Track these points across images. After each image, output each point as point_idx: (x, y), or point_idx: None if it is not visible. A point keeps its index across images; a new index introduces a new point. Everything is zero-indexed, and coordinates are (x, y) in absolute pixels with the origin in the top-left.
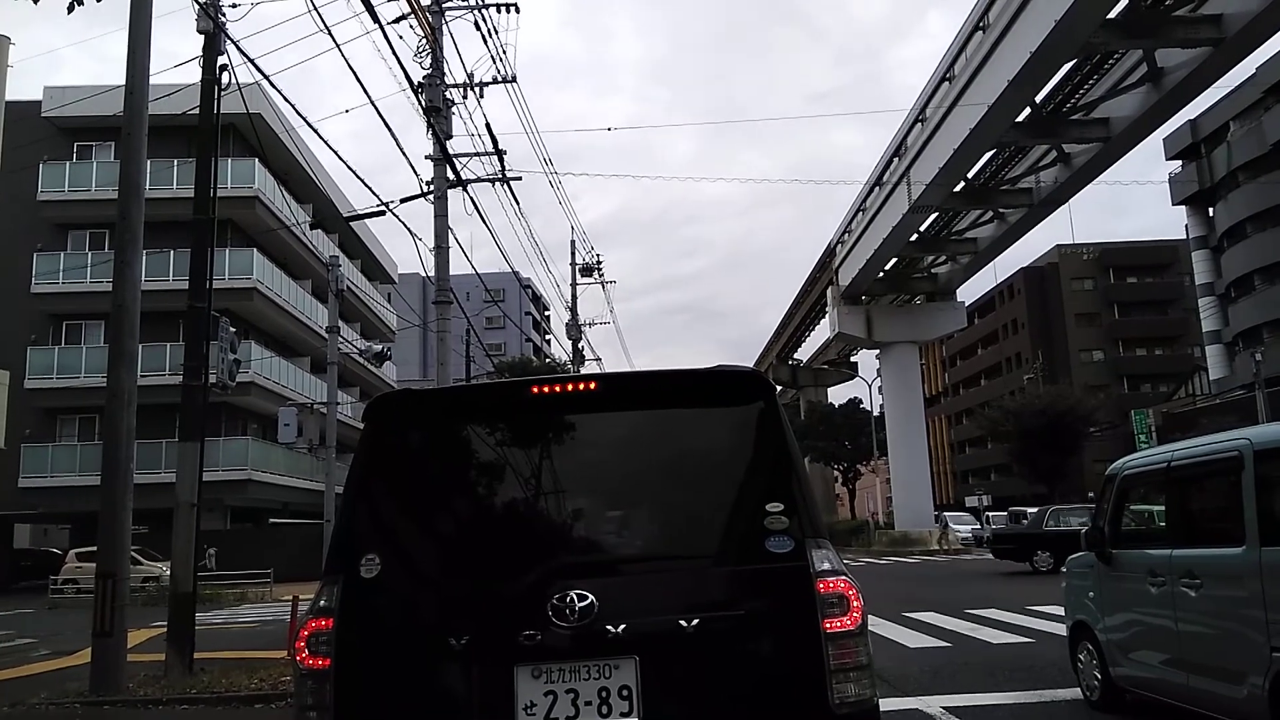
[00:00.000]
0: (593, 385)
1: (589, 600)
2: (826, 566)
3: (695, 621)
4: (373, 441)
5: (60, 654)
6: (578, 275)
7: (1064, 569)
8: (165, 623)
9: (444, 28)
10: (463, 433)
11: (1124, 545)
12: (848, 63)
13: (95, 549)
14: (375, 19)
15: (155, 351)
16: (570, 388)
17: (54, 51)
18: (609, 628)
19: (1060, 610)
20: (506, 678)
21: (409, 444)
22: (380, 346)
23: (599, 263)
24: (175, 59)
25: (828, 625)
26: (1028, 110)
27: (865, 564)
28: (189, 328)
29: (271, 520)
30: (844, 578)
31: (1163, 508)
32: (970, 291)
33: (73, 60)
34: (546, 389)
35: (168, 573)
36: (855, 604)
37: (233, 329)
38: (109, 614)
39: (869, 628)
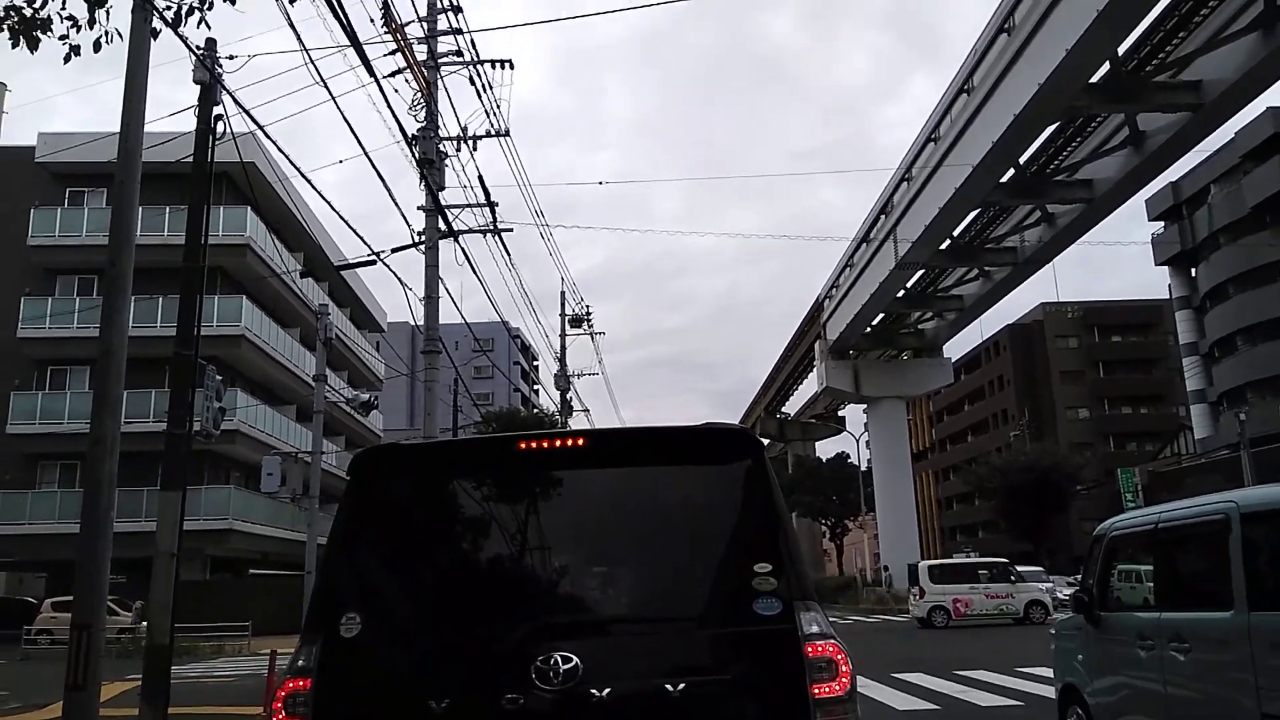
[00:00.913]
0: (580, 441)
1: (573, 663)
2: (815, 629)
3: (681, 686)
4: (357, 496)
5: (32, 707)
6: (567, 326)
7: (1052, 630)
8: (140, 676)
9: (439, 82)
10: (448, 488)
11: (1112, 607)
12: (834, 121)
13: (71, 599)
14: (371, 73)
15: (140, 398)
16: (558, 444)
17: (49, 98)
18: (593, 691)
19: (1049, 672)
20: None
21: (394, 499)
22: (367, 395)
23: (588, 314)
24: (170, 107)
25: (816, 690)
26: (1012, 171)
27: (853, 621)
28: (175, 375)
29: (251, 571)
30: (833, 641)
31: (1151, 569)
32: (957, 348)
33: (67, 106)
34: (534, 445)
35: (143, 624)
36: (844, 668)
37: (219, 377)
38: (83, 667)
39: (858, 690)
